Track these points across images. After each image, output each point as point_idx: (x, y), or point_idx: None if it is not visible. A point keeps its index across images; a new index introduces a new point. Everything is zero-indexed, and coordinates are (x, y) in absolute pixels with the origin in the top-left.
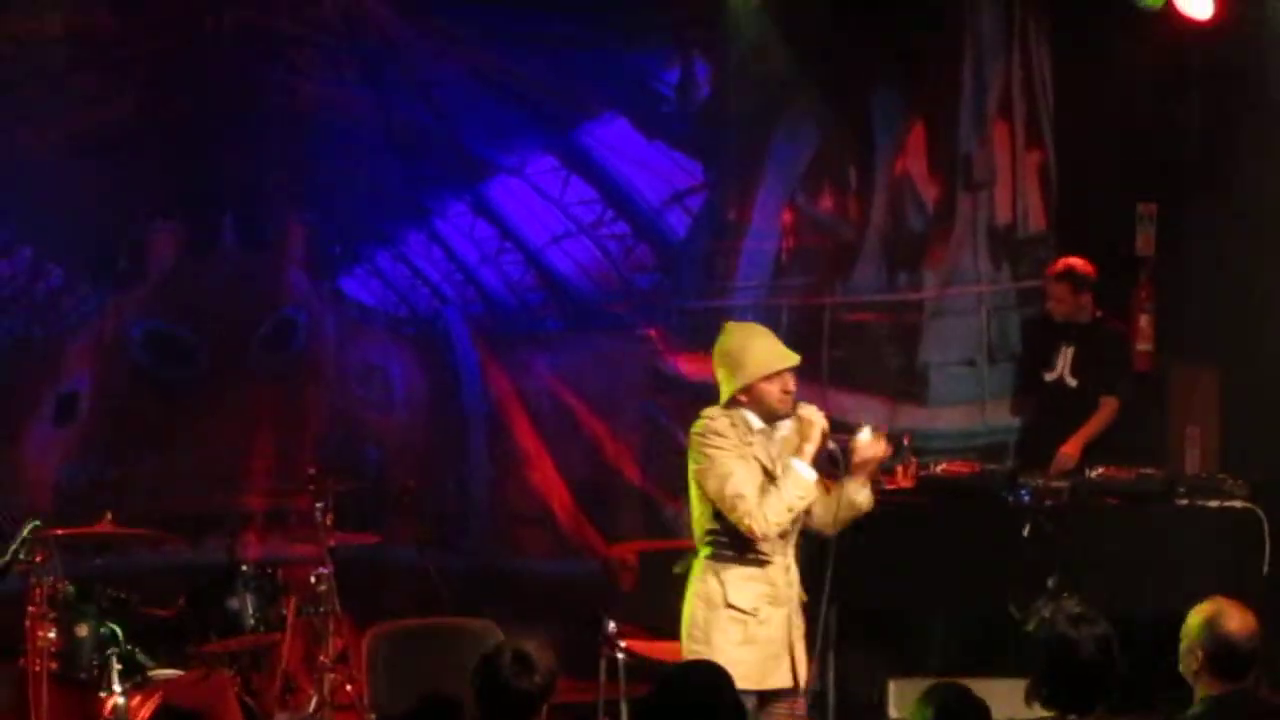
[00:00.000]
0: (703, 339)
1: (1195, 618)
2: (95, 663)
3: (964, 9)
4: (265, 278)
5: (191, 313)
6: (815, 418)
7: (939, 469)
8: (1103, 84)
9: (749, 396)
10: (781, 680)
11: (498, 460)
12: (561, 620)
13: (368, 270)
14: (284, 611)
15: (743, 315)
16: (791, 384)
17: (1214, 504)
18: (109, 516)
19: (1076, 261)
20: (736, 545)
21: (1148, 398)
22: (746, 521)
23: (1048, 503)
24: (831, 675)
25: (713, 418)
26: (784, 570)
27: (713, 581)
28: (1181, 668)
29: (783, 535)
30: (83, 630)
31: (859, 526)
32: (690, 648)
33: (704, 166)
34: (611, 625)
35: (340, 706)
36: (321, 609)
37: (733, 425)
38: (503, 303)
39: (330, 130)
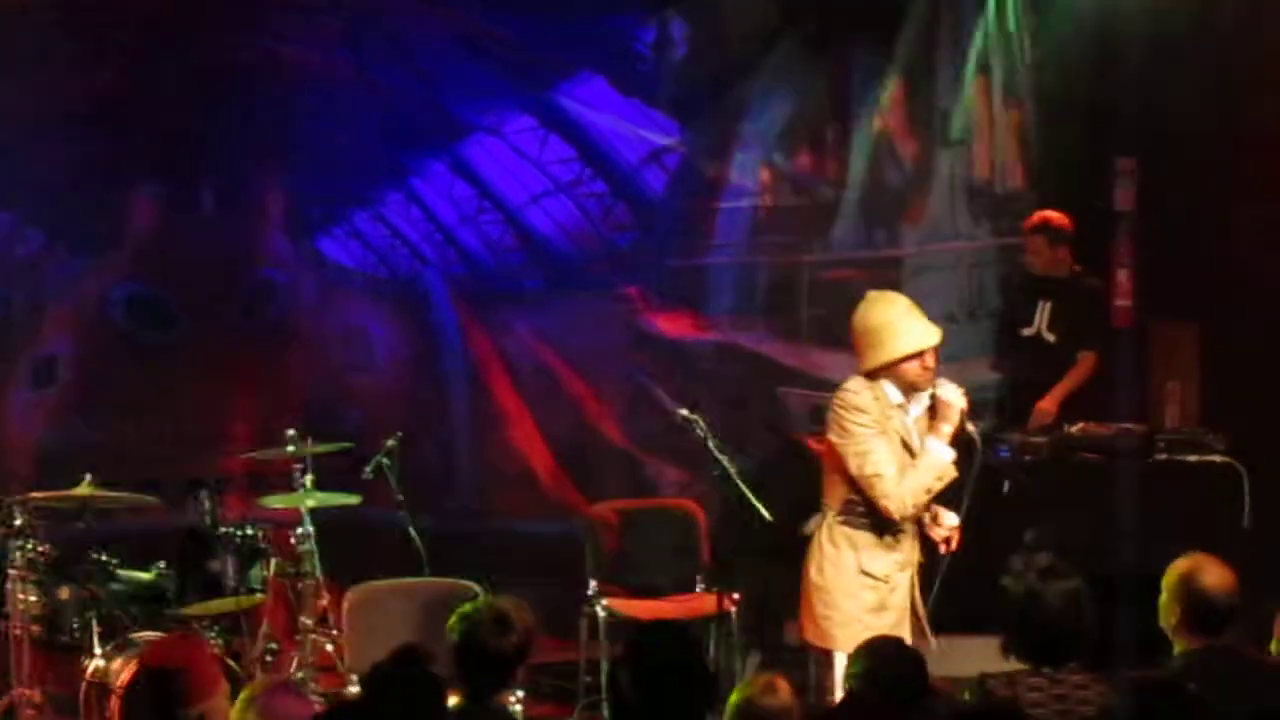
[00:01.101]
0: (682, 297)
1: (1174, 573)
2: (76, 626)
3: None
4: (245, 240)
5: (171, 276)
6: (954, 398)
7: None
8: (1082, 38)
9: (890, 372)
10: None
11: (478, 420)
12: (543, 579)
13: (347, 231)
14: (265, 573)
15: (721, 274)
16: (933, 360)
17: (1193, 458)
18: (89, 480)
19: (1052, 215)
20: (873, 516)
21: (1127, 353)
22: (883, 502)
23: (1027, 458)
24: None
25: (855, 391)
26: (912, 538)
27: (846, 548)
28: (1161, 622)
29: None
30: (64, 594)
31: None
32: (820, 611)
33: (681, 125)
34: (593, 584)
35: (321, 668)
36: (302, 570)
37: (875, 399)
38: (482, 262)
39: (309, 93)
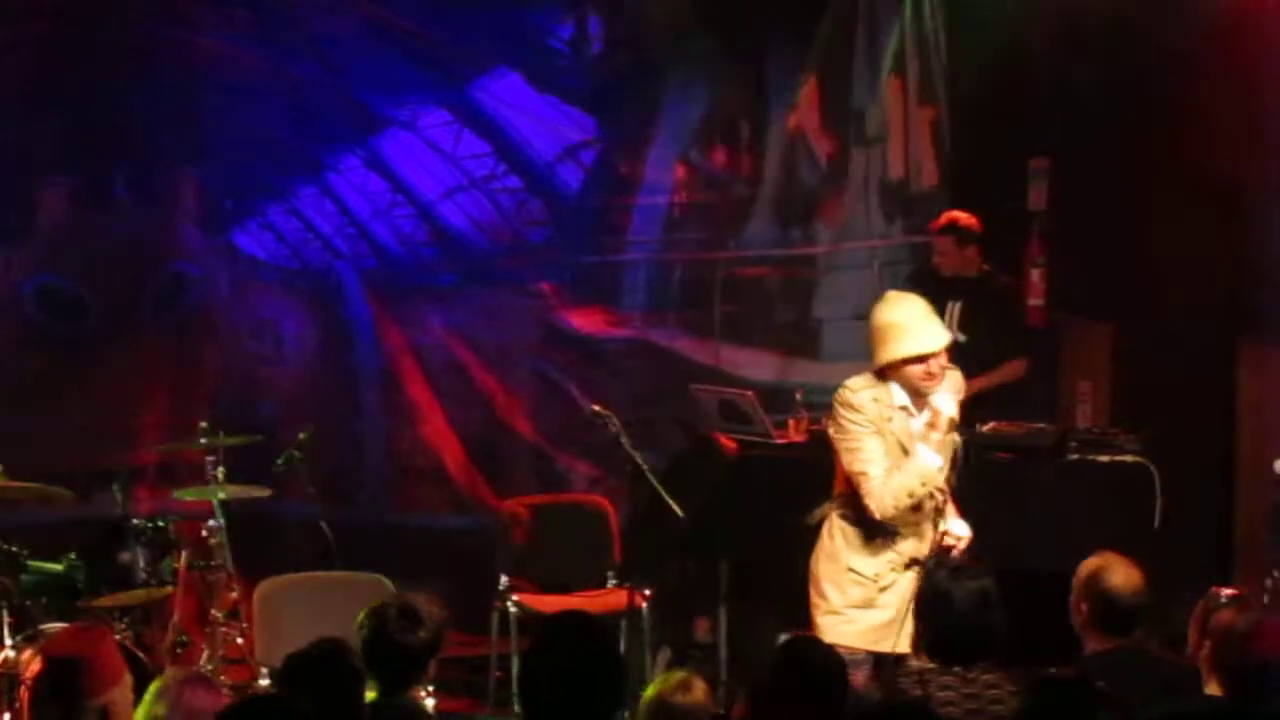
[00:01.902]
0: (595, 294)
1: (1082, 572)
2: None
3: None
4: (157, 232)
5: (83, 268)
6: (945, 407)
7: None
8: (997, 38)
9: (894, 372)
10: (900, 646)
11: (390, 414)
12: (454, 574)
13: (260, 224)
14: (175, 566)
15: (636, 271)
16: (937, 367)
17: (1105, 458)
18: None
19: (960, 215)
20: (864, 513)
21: (1039, 352)
22: (866, 500)
23: None
24: (723, 629)
25: (854, 389)
26: (915, 538)
27: (839, 540)
28: (1072, 621)
29: (917, 507)
30: None
31: (754, 482)
32: (814, 599)
33: (597, 121)
34: (504, 579)
35: (231, 660)
36: (213, 563)
37: (875, 400)
38: (396, 257)
39: (223, 84)
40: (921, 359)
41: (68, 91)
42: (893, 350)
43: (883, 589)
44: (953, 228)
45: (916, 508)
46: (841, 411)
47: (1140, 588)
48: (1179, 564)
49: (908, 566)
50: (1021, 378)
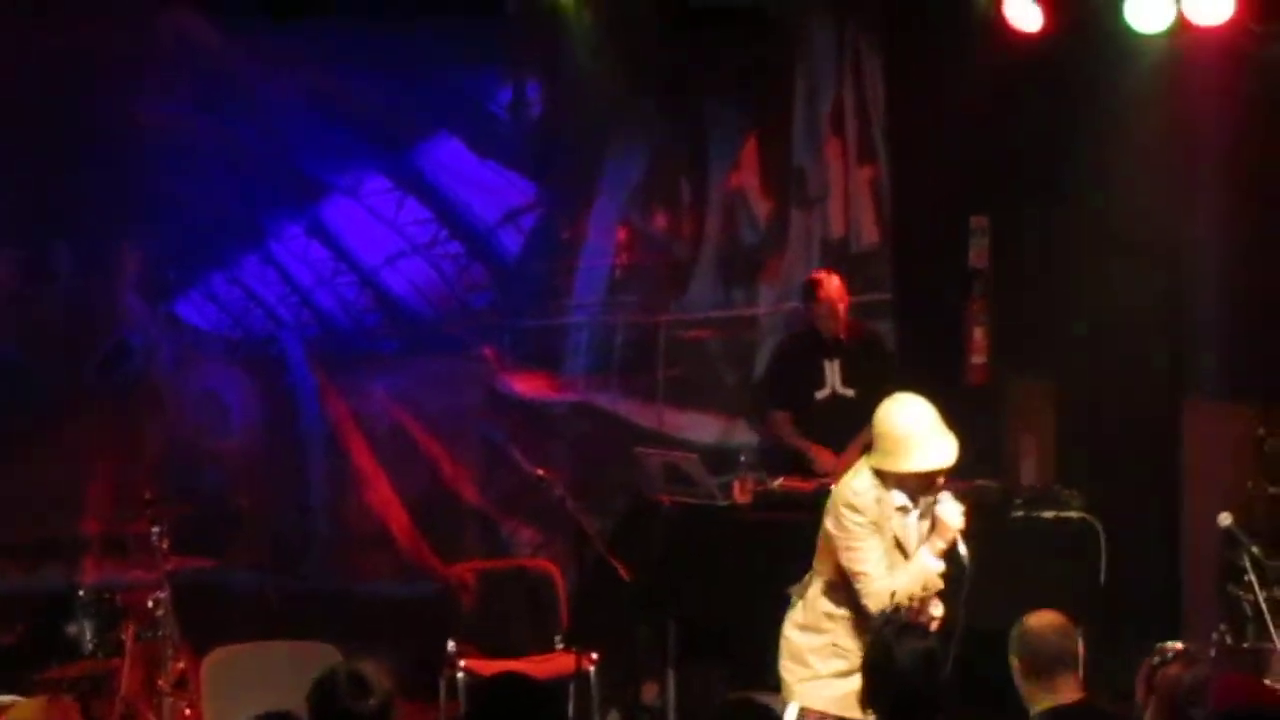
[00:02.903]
0: (538, 358)
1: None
2: None
3: (796, 25)
4: (100, 302)
5: (25, 338)
6: (952, 519)
7: (776, 484)
8: (935, 98)
9: (897, 479)
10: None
11: (335, 482)
12: (401, 641)
13: (202, 294)
14: (123, 637)
15: (578, 333)
16: (941, 480)
17: (1050, 515)
18: None
19: (817, 273)
20: (854, 604)
21: (983, 410)
22: (864, 600)
23: None
24: (672, 692)
25: (858, 492)
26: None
27: (826, 623)
28: (1017, 685)
29: None
30: None
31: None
32: (788, 666)
33: (537, 185)
34: (451, 645)
35: None
36: (160, 633)
37: (877, 501)
38: (339, 325)
39: (164, 152)
40: (929, 474)
41: (8, 161)
42: (902, 462)
43: (858, 659)
44: (808, 287)
45: None
46: (844, 511)
47: (1062, 626)
48: (1126, 620)
49: None
50: None
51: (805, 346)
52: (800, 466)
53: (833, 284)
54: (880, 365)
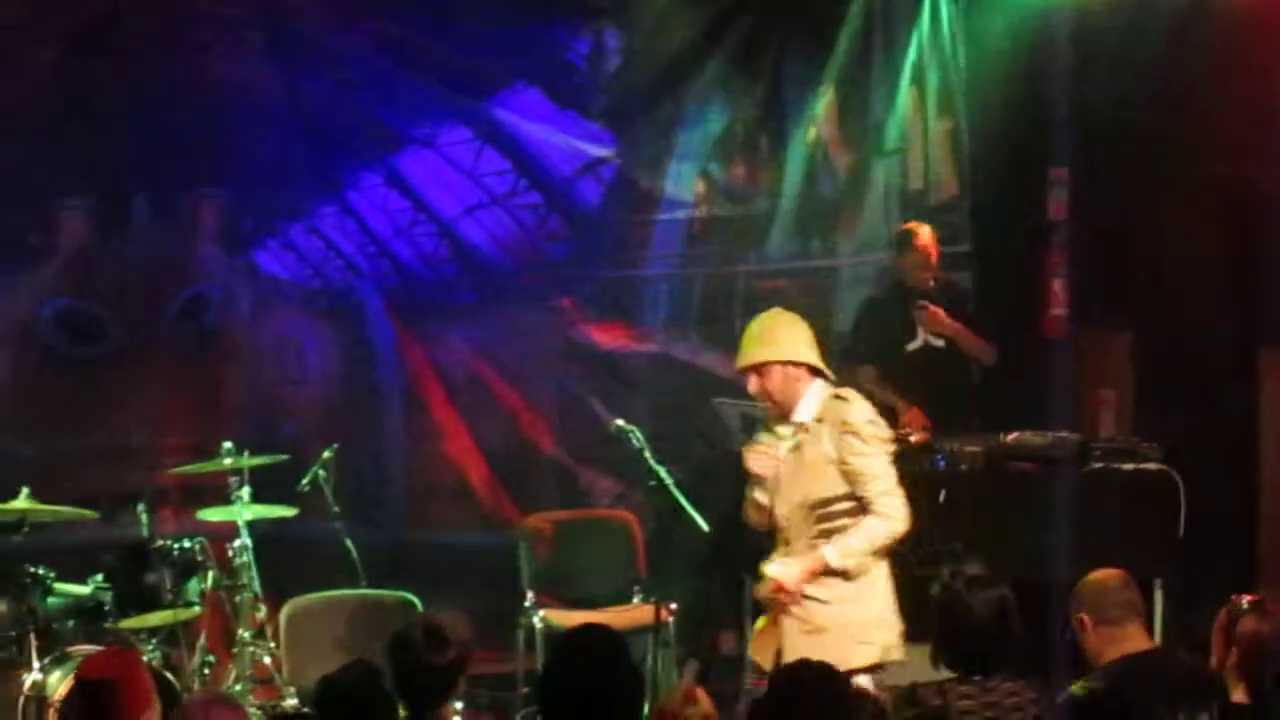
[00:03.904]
0: (616, 308)
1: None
2: (13, 639)
3: None
4: (177, 253)
5: (104, 290)
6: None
7: None
8: (1013, 50)
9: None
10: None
11: (413, 433)
12: (479, 591)
13: (281, 244)
14: (202, 586)
15: (657, 285)
16: (751, 385)
17: (1128, 467)
18: (24, 493)
19: (908, 225)
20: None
21: (1061, 362)
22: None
23: (962, 468)
24: (749, 642)
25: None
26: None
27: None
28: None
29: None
30: (1, 606)
31: None
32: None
33: (616, 137)
34: (529, 595)
35: (258, 680)
36: (239, 583)
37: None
38: (417, 275)
39: (241, 105)
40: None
41: (87, 114)
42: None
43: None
44: (904, 236)
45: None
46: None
47: (1124, 577)
48: (1203, 573)
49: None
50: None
51: (895, 299)
52: None
53: (926, 234)
54: (966, 316)
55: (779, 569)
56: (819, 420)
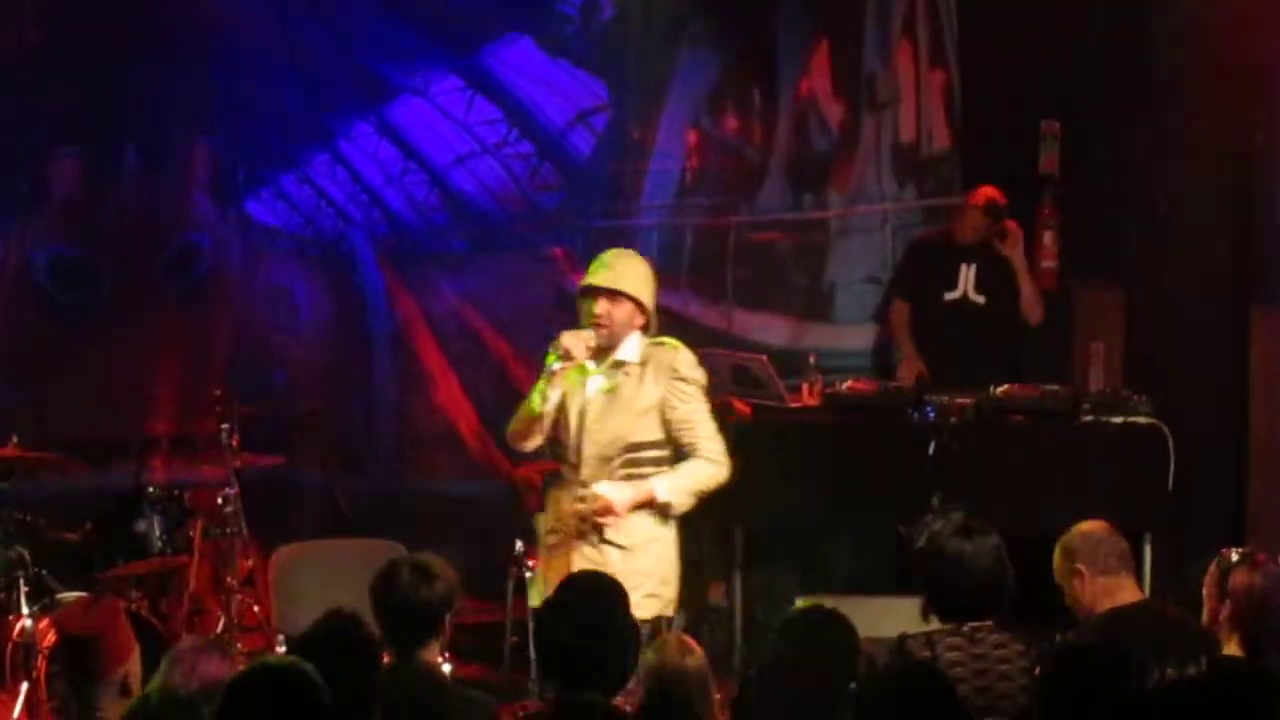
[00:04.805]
0: None
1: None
2: (2, 586)
3: None
4: (169, 202)
5: (95, 238)
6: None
7: (844, 387)
8: (1007, 3)
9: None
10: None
11: (403, 381)
12: (468, 540)
13: (273, 192)
14: (191, 534)
15: (648, 235)
16: (600, 305)
17: (1119, 420)
18: (14, 441)
19: (996, 192)
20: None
21: (1052, 314)
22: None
23: (952, 420)
24: (739, 595)
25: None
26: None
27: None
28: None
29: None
30: None
31: (767, 446)
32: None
33: (608, 86)
34: (519, 544)
35: (247, 628)
36: (228, 531)
37: None
38: (408, 224)
39: (232, 53)
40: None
41: (79, 62)
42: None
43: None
44: (993, 207)
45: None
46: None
47: (1113, 529)
48: (1192, 526)
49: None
50: (1036, 321)
51: (941, 245)
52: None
53: (983, 197)
54: (1009, 280)
55: (610, 489)
56: (642, 364)
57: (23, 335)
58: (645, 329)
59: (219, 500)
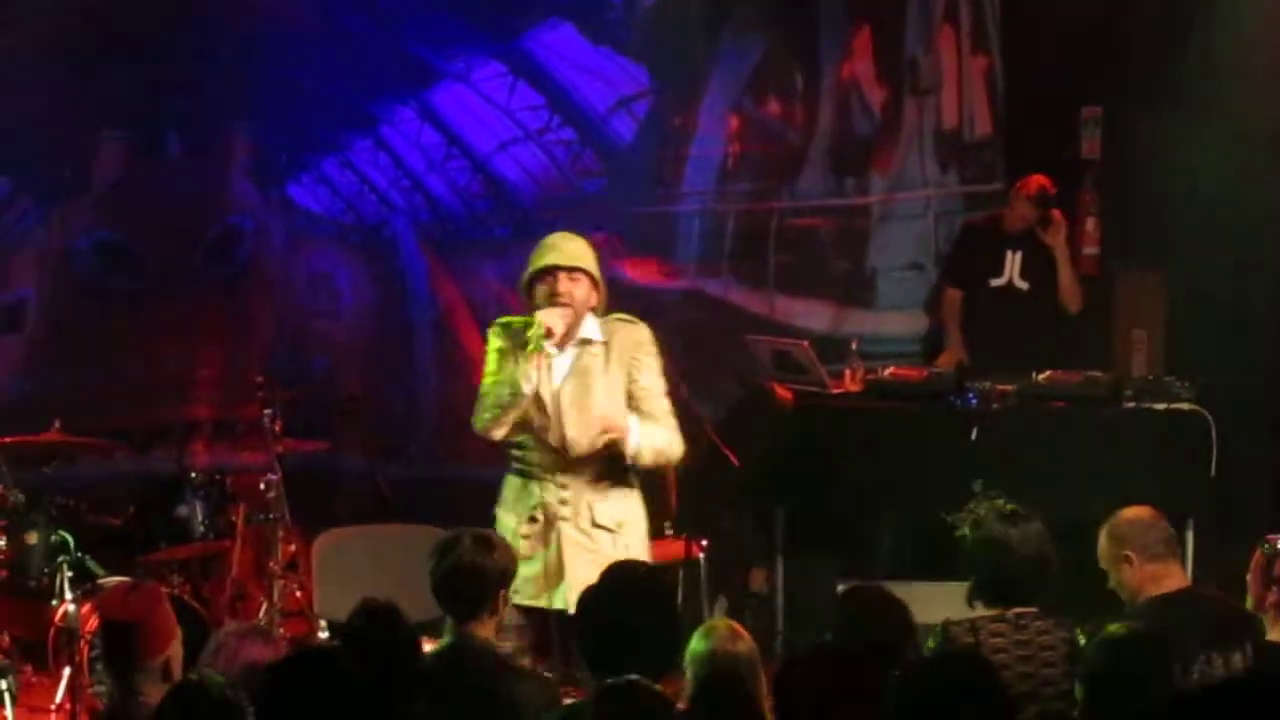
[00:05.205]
0: (649, 244)
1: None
2: (45, 571)
3: None
4: (211, 186)
5: (137, 223)
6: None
7: (886, 373)
8: None
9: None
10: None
11: (444, 367)
12: None
13: (315, 178)
14: (233, 519)
15: (689, 221)
16: (563, 284)
17: (1161, 406)
18: (58, 425)
19: (1046, 181)
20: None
21: (1093, 300)
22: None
23: (994, 406)
24: (780, 580)
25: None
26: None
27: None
28: (1113, 581)
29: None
30: (32, 538)
31: (809, 432)
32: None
33: (650, 72)
34: None
35: (289, 613)
36: (270, 516)
37: None
38: (450, 210)
39: (275, 38)
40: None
41: (123, 47)
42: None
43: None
44: (1043, 195)
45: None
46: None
47: (1159, 515)
48: (1235, 513)
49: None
50: (1075, 309)
51: (989, 231)
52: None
53: (1033, 187)
54: (1052, 267)
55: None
56: (605, 342)
57: (65, 319)
58: (595, 309)
59: (261, 485)
